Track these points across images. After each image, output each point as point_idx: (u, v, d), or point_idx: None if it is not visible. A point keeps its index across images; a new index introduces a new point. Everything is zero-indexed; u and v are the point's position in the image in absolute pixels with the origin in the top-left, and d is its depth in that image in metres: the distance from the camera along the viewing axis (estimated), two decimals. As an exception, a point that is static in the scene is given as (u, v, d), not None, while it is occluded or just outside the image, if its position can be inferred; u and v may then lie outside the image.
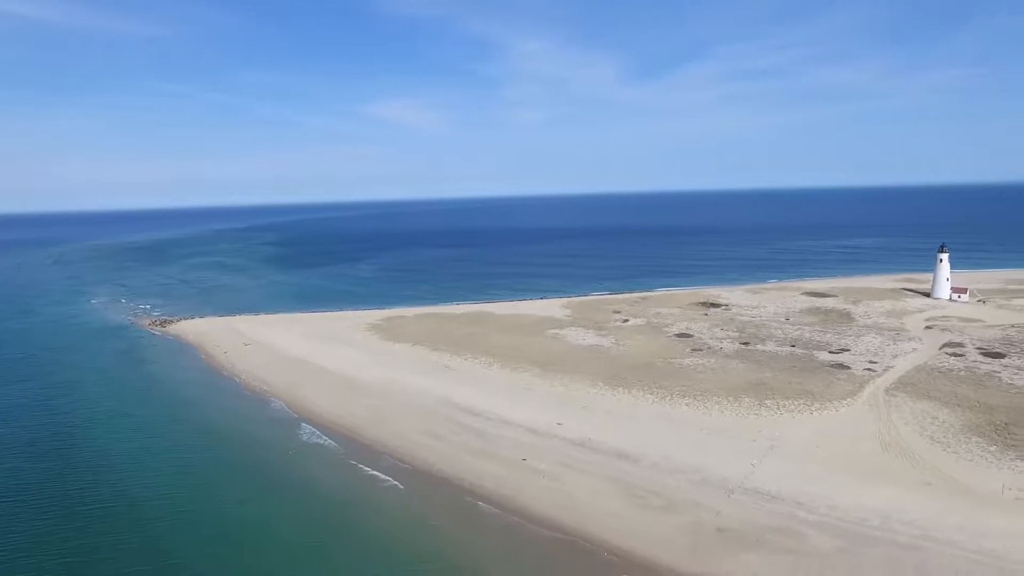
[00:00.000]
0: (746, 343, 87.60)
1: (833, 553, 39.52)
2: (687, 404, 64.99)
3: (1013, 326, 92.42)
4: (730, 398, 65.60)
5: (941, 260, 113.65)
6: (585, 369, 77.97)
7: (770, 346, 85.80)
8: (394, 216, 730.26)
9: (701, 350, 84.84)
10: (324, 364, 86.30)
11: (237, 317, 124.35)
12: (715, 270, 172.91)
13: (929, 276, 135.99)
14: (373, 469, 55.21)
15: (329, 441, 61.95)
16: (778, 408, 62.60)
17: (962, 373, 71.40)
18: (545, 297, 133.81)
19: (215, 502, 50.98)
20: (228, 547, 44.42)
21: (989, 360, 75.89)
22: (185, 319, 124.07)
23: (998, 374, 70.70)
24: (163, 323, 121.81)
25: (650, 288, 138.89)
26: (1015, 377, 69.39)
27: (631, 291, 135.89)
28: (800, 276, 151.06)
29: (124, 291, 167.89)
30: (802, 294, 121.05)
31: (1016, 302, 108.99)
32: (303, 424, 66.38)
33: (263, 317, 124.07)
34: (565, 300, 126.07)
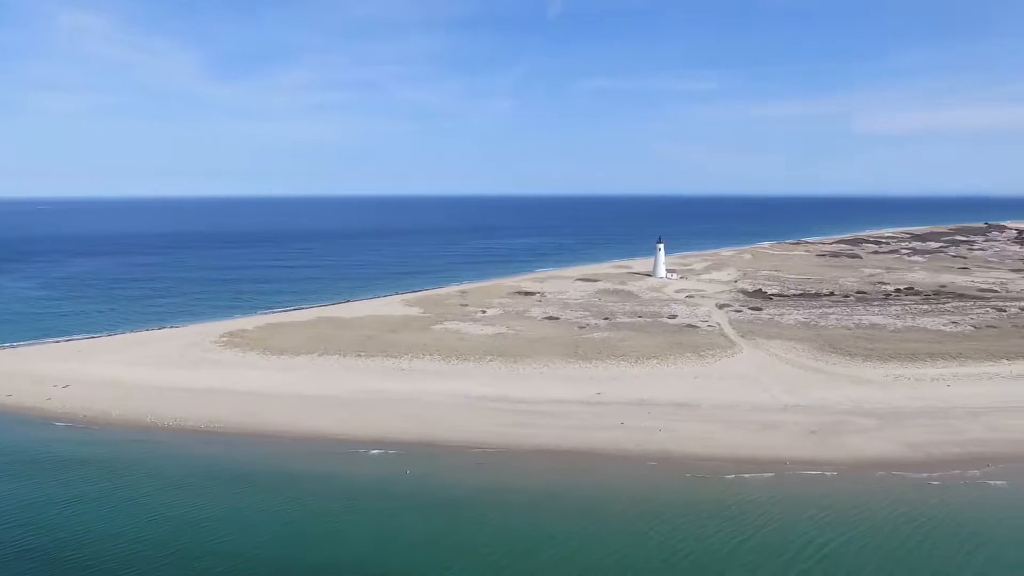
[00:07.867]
0: (607, 318, 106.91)
1: (879, 427, 60.89)
2: (657, 362, 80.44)
3: (726, 292, 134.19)
4: (677, 354, 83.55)
5: (660, 248, 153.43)
6: (536, 351, 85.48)
7: (625, 319, 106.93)
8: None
9: (587, 327, 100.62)
10: (249, 388, 72.51)
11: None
12: (446, 268, 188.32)
13: (630, 261, 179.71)
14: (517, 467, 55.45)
15: (396, 453, 57.45)
16: (714, 356, 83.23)
17: (758, 322, 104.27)
18: (353, 299, 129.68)
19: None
20: None
21: (757, 312, 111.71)
22: None
23: (774, 319, 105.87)
24: None
25: (428, 287, 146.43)
26: (783, 319, 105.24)
27: (425, 288, 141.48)
28: (529, 269, 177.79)
29: None
30: (576, 280, 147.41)
31: (703, 276, 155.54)
32: (361, 451, 58.66)
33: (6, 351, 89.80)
34: (399, 297, 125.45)
